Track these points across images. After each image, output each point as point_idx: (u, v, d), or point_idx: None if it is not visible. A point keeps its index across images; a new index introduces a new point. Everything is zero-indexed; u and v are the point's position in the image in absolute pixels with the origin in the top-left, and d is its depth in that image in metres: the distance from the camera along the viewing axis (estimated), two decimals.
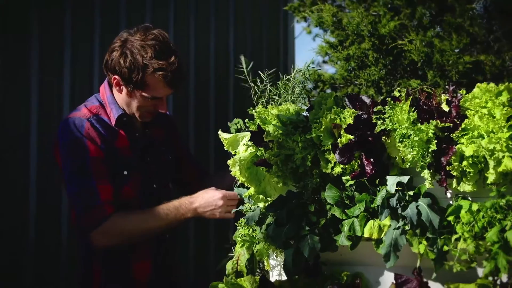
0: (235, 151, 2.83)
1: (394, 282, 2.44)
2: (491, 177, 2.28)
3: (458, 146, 2.34)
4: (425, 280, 2.40)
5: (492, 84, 2.42)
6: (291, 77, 3.02)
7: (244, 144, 2.78)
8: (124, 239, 3.13)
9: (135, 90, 3.12)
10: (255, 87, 3.08)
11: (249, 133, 2.73)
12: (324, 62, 6.79)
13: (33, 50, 4.77)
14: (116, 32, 3.32)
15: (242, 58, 3.13)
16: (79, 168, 3.12)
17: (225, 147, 2.85)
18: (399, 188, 2.44)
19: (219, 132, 2.86)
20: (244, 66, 3.11)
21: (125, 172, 3.18)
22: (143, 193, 3.25)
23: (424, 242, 2.34)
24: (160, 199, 3.29)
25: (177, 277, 3.54)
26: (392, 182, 2.44)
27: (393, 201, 2.42)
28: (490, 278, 2.33)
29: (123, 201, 3.17)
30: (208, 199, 3.09)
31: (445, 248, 2.31)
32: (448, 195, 2.48)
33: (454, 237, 2.31)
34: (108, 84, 3.26)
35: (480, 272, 2.42)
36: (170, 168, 3.46)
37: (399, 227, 2.38)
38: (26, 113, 4.70)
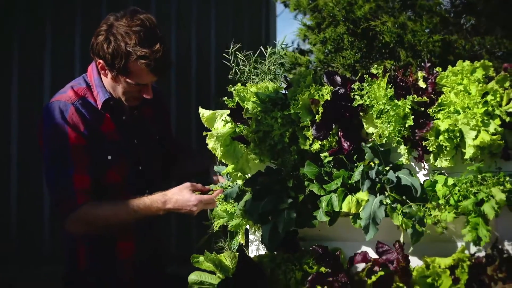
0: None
1: (375, 250, 2.38)
2: (469, 151, 2.22)
3: (435, 122, 2.28)
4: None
5: (467, 62, 2.36)
6: (266, 53, 2.93)
7: (222, 120, 2.69)
8: (93, 229, 3.02)
9: (119, 75, 2.99)
10: (235, 66, 2.99)
11: (227, 110, 2.65)
12: (299, 48, 6.71)
13: (15, 45, 4.69)
14: (98, 20, 3.18)
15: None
16: (58, 156, 3.00)
17: (203, 122, 2.76)
18: (377, 162, 2.38)
19: (200, 108, 2.76)
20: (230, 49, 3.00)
21: (109, 157, 3.07)
22: (129, 176, 3.14)
23: (401, 212, 2.29)
24: (146, 181, 3.19)
25: (161, 255, 3.46)
26: (368, 149, 2.40)
27: (372, 174, 2.36)
28: (467, 252, 2.29)
29: (108, 185, 3.07)
30: (182, 203, 2.96)
31: (420, 214, 2.26)
32: (425, 171, 2.42)
33: (429, 205, 2.25)
34: (95, 66, 3.13)
35: (457, 246, 2.38)
36: (157, 148, 3.35)
37: (379, 201, 2.32)
38: (7, 103, 4.63)
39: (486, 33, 3.90)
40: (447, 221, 2.22)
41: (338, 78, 2.54)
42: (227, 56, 3.03)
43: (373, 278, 2.38)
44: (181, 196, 2.97)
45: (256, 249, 2.76)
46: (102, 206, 3.01)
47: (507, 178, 2.22)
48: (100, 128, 3.07)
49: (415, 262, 2.41)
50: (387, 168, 2.37)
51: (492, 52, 3.77)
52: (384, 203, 2.31)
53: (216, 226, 2.79)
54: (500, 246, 2.27)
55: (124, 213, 3.00)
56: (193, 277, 2.67)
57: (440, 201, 2.24)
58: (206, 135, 2.65)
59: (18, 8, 4.82)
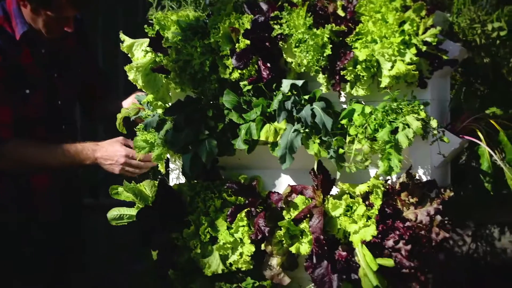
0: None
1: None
2: (384, 80, 2.21)
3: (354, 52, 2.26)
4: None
5: None
6: None
7: (142, 50, 2.61)
8: (17, 167, 2.92)
9: (39, 8, 2.84)
10: None
11: (147, 39, 2.56)
12: None
13: None
14: None
15: None
16: None
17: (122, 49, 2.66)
18: (295, 92, 2.35)
19: (121, 33, 2.66)
20: None
21: (27, 91, 2.93)
22: (46, 111, 3.02)
23: (317, 140, 2.28)
24: (64, 117, 3.08)
25: (79, 186, 3.38)
26: (286, 84, 2.35)
27: (288, 104, 2.33)
28: (381, 179, 2.31)
29: (25, 119, 2.94)
30: (110, 152, 2.87)
31: (341, 151, 2.26)
32: (343, 99, 2.41)
33: (348, 139, 2.25)
34: None
35: (372, 173, 2.39)
36: (77, 83, 3.22)
37: (295, 130, 2.30)
38: None
39: None
40: (364, 152, 2.22)
41: (259, 6, 2.48)
42: None
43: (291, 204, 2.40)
44: (111, 146, 2.89)
45: (176, 178, 2.72)
46: (31, 146, 2.90)
47: (422, 107, 2.23)
48: (18, 60, 2.92)
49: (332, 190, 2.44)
50: (305, 97, 2.35)
51: None
52: (301, 131, 2.30)
53: (138, 157, 2.74)
54: (413, 173, 2.29)
55: (51, 156, 2.91)
56: (112, 213, 2.63)
57: (360, 136, 2.23)
58: None
59: None
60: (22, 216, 3.01)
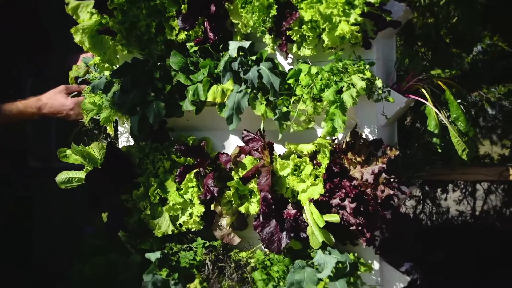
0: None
1: (242, 137, 2.41)
2: (329, 40, 2.21)
3: (299, 12, 2.25)
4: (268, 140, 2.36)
5: None
6: None
7: (88, 12, 2.56)
8: None
9: None
10: None
11: (92, 1, 2.51)
12: None
13: None
14: None
15: None
16: None
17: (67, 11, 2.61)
18: (242, 54, 2.34)
19: None
20: None
21: None
22: None
23: (264, 101, 2.28)
24: (12, 80, 3.02)
25: (31, 155, 3.33)
26: (233, 46, 2.33)
27: (235, 65, 2.32)
28: (328, 138, 2.33)
29: None
30: (57, 107, 2.80)
31: (284, 109, 2.26)
32: (290, 60, 2.41)
33: (293, 98, 2.25)
34: None
35: (319, 133, 2.41)
36: (27, 48, 3.14)
37: (241, 91, 2.29)
38: None
39: None
40: (308, 113, 2.23)
41: None
42: None
43: (240, 165, 2.40)
44: (55, 100, 2.82)
45: (126, 141, 2.70)
46: None
47: (367, 67, 2.25)
48: None
49: (280, 150, 2.45)
50: (253, 58, 2.34)
51: None
52: (248, 92, 2.29)
53: (86, 120, 2.70)
54: (359, 132, 2.31)
55: None
56: (61, 176, 2.59)
57: (305, 96, 2.23)
58: None
59: None
60: None
